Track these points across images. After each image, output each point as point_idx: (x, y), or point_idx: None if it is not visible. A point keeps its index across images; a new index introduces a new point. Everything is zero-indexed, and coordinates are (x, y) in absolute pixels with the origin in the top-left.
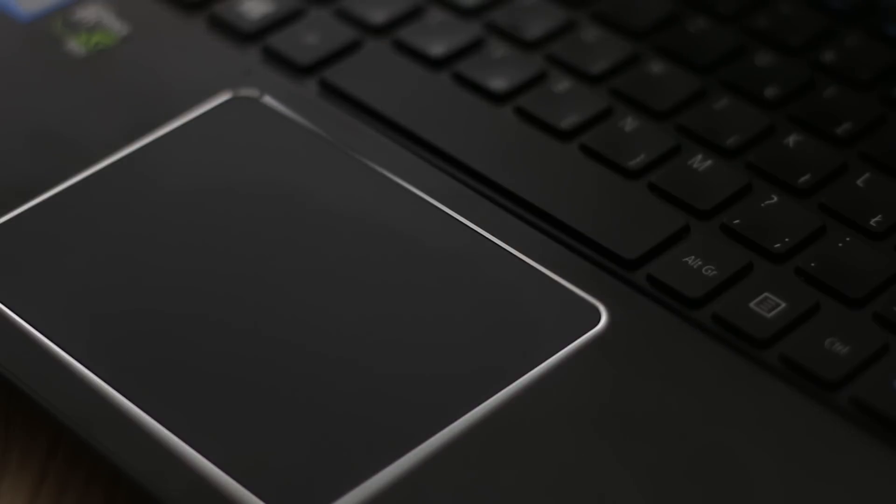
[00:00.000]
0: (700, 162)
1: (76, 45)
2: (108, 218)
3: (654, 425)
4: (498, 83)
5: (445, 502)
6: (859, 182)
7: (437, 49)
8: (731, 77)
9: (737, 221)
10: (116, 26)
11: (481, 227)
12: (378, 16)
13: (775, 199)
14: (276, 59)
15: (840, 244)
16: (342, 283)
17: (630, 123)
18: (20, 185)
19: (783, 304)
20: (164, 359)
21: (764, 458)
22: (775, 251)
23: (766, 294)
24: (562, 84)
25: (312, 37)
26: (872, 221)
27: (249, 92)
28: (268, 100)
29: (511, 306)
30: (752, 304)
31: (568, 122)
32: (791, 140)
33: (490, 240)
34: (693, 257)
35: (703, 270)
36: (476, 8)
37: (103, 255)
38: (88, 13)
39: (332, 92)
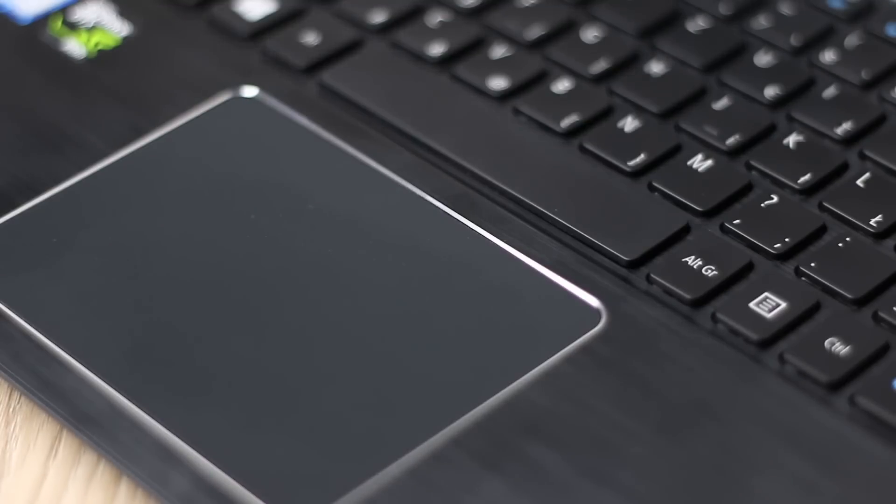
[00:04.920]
0: (700, 162)
1: (76, 45)
2: (109, 217)
3: (654, 425)
4: (498, 83)
5: (445, 502)
6: (859, 182)
7: (436, 49)
8: (731, 77)
9: (737, 221)
10: (116, 26)
11: (481, 228)
12: (378, 16)
13: (775, 199)
14: (276, 60)
15: (840, 244)
16: (341, 283)
17: (630, 123)
18: (21, 185)
19: (783, 304)
20: (165, 358)
21: (764, 458)
22: (775, 251)
23: (766, 294)
24: (562, 84)
25: (312, 37)
26: (872, 221)
27: (249, 92)
28: (268, 100)
29: (511, 306)
30: (752, 304)
31: (568, 122)
32: (791, 140)
33: (490, 240)
34: (693, 257)
35: (703, 270)
36: (476, 8)
37: (103, 254)
38: (88, 13)
39: (332, 92)
